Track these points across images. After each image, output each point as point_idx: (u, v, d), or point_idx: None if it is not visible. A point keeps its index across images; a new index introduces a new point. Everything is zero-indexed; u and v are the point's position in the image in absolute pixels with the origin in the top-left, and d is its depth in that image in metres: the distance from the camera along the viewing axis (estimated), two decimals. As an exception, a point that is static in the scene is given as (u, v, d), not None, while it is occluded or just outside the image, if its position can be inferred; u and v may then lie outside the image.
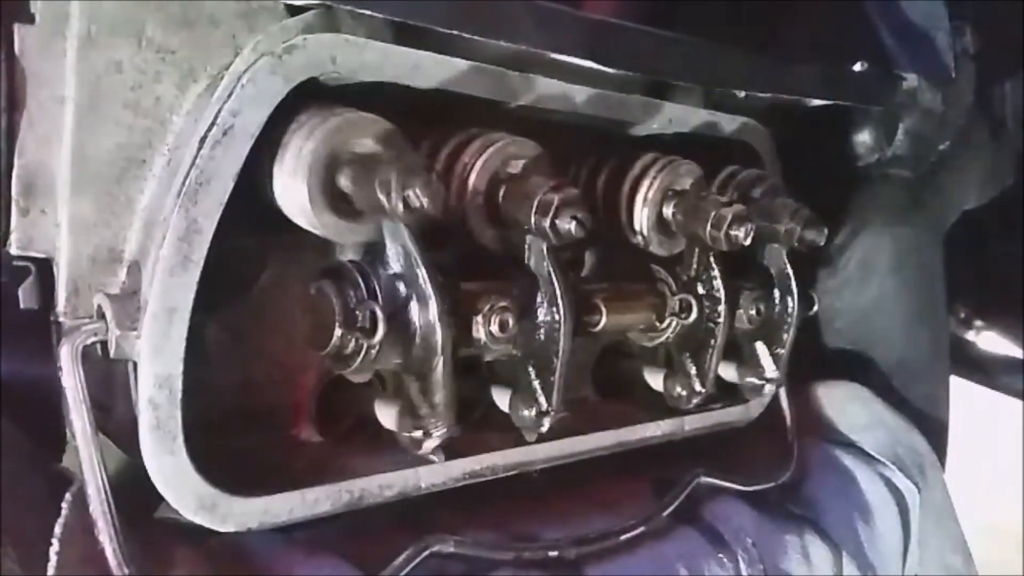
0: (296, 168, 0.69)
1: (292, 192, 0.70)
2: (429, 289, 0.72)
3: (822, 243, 1.02)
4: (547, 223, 0.77)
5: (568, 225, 0.77)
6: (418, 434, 0.75)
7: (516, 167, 0.82)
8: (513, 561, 0.82)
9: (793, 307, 1.04)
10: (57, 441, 0.71)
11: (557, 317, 0.81)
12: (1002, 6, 1.36)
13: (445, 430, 0.75)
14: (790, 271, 1.04)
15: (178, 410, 0.66)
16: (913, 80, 1.15)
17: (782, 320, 1.04)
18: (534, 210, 0.78)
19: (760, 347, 1.05)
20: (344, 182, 0.70)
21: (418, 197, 0.67)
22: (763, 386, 1.05)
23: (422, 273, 0.72)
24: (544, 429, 0.84)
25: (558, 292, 0.80)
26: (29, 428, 0.69)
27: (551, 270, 0.81)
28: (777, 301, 1.05)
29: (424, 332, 0.73)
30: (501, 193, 0.81)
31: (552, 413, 0.82)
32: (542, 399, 0.83)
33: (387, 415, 0.81)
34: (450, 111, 0.82)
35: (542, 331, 0.82)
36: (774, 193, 1.04)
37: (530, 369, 0.83)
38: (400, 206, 0.67)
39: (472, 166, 0.81)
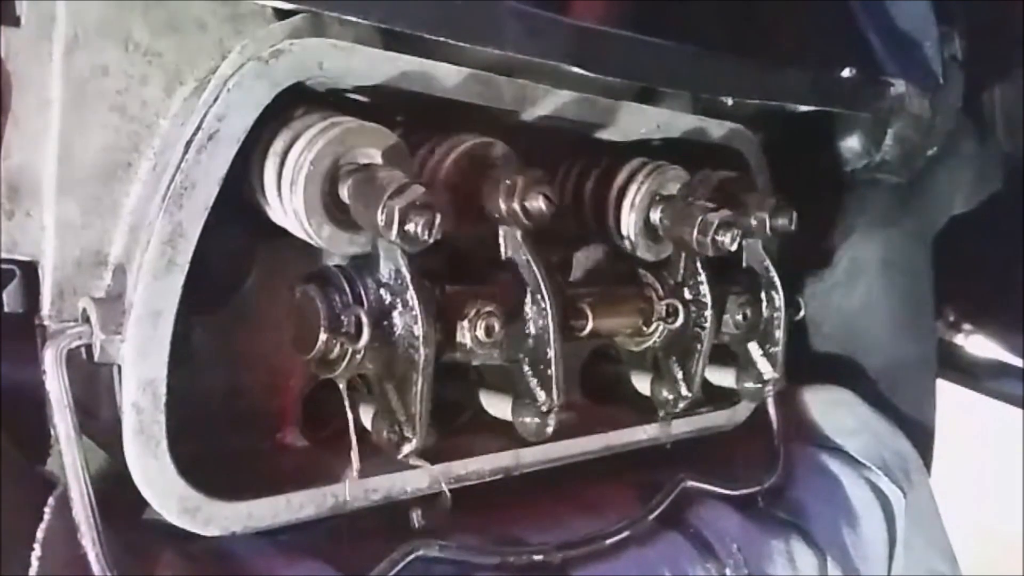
0: (295, 179, 0.69)
1: (289, 202, 0.70)
2: (417, 311, 0.72)
3: (793, 227, 1.00)
4: (516, 205, 0.77)
5: (537, 203, 0.78)
6: (393, 438, 0.75)
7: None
8: (498, 565, 0.82)
9: (780, 302, 1.03)
10: (41, 444, 0.70)
11: (543, 305, 0.80)
12: (990, 12, 1.36)
13: (419, 442, 0.75)
14: (769, 264, 1.04)
15: (162, 414, 0.66)
16: (901, 86, 1.16)
17: (771, 318, 1.04)
18: (501, 196, 0.78)
19: (754, 348, 1.05)
20: (345, 194, 0.70)
21: (418, 228, 0.67)
22: (763, 388, 1.05)
23: (411, 294, 0.72)
24: (550, 429, 0.83)
25: (539, 278, 0.80)
26: (13, 431, 0.69)
27: (528, 258, 0.80)
28: (764, 300, 1.04)
29: (407, 344, 0.73)
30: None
31: (555, 409, 0.82)
32: (541, 395, 0.82)
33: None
34: (438, 116, 0.82)
35: (531, 326, 0.82)
36: (746, 189, 1.04)
37: (526, 368, 0.83)
38: (397, 236, 0.67)
39: (439, 169, 0.81)
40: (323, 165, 0.69)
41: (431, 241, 0.68)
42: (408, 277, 0.72)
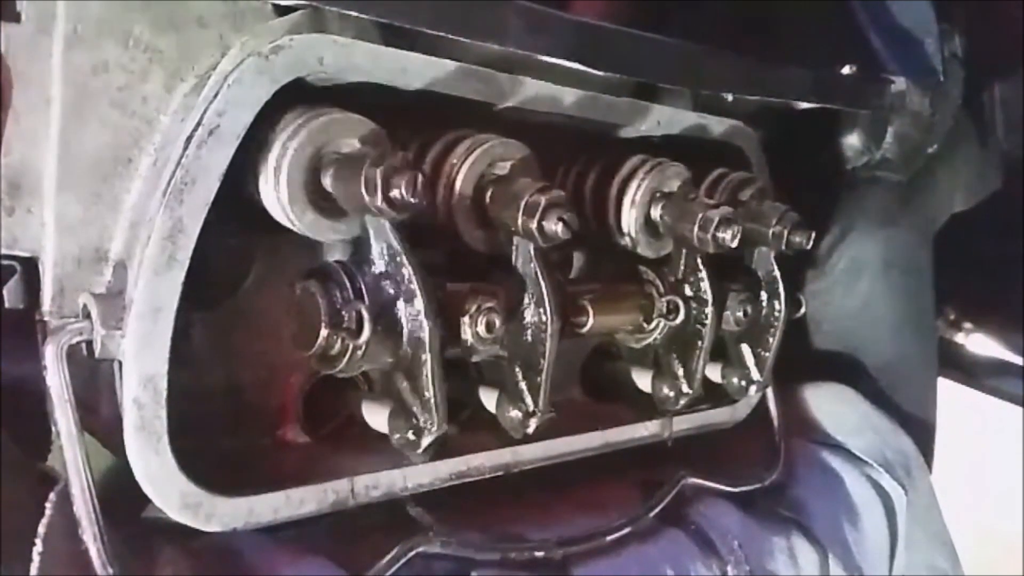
0: (279, 166, 0.69)
1: (274, 190, 0.70)
2: (415, 285, 0.72)
3: (809, 247, 1.02)
4: (534, 225, 0.77)
5: (555, 227, 0.78)
6: (411, 435, 0.75)
7: (503, 168, 0.82)
8: (499, 561, 0.82)
9: (780, 310, 1.04)
10: (42, 441, 0.70)
11: (544, 318, 0.81)
12: (991, 10, 1.36)
13: (438, 427, 0.75)
14: (778, 274, 1.04)
15: (163, 410, 0.66)
16: (901, 83, 1.16)
17: (768, 323, 1.05)
18: (521, 212, 0.78)
19: (745, 349, 1.05)
20: (328, 181, 0.70)
21: (401, 192, 0.67)
22: (747, 388, 1.05)
23: (407, 270, 0.72)
24: (531, 430, 0.84)
25: (545, 293, 0.81)
26: (14, 428, 0.69)
27: (538, 271, 0.81)
28: (764, 303, 1.05)
29: (412, 329, 0.73)
30: (488, 195, 0.81)
31: (538, 414, 0.83)
32: (528, 400, 0.83)
33: (374, 415, 0.81)
34: (438, 112, 0.82)
35: (529, 332, 0.82)
36: (762, 196, 1.05)
37: (517, 370, 0.83)
38: (383, 201, 0.67)
39: (459, 167, 0.81)
40: (305, 153, 0.69)
41: (416, 202, 0.68)
42: (401, 252, 0.72)
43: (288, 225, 0.72)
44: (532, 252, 0.81)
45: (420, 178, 0.68)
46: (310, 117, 0.70)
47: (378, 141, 0.73)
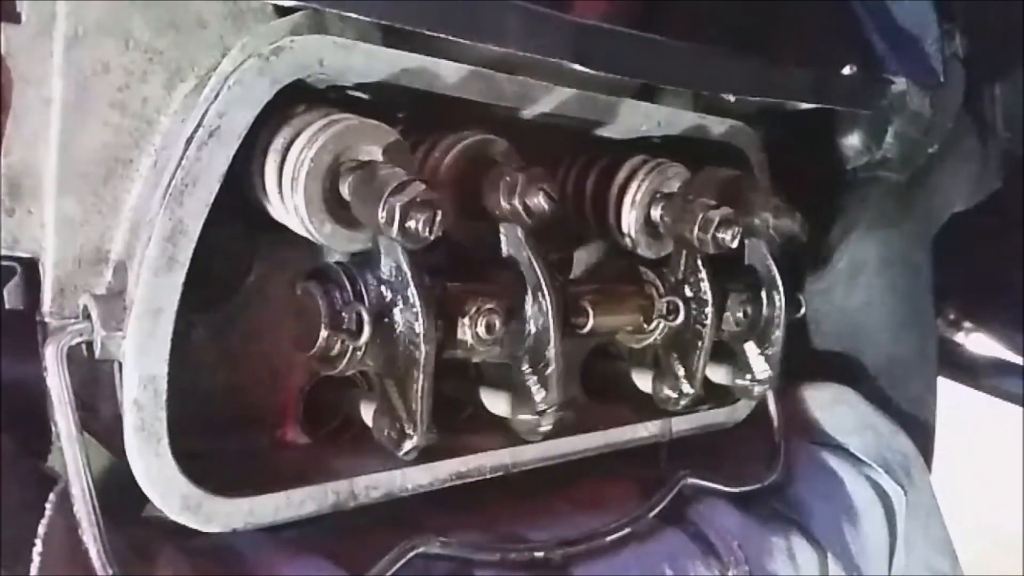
0: (296, 176, 0.69)
1: (291, 200, 0.70)
2: (418, 308, 0.73)
3: (797, 230, 1.01)
4: (517, 203, 0.78)
5: (537, 200, 0.78)
6: (394, 435, 0.75)
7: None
8: (499, 562, 0.82)
9: (780, 303, 1.04)
10: (42, 441, 0.71)
11: (543, 305, 0.81)
12: (991, 10, 1.36)
13: (419, 439, 0.75)
14: (772, 264, 1.04)
15: (163, 411, 0.66)
16: (902, 84, 1.16)
17: (771, 319, 1.04)
18: (502, 194, 0.78)
19: (750, 347, 1.05)
20: (346, 191, 0.70)
21: (419, 225, 0.67)
22: (755, 387, 1.05)
23: (412, 291, 0.73)
24: (548, 427, 0.83)
25: (540, 276, 0.81)
26: (14, 428, 0.69)
27: (530, 256, 0.81)
28: (764, 300, 1.04)
29: (408, 340, 0.74)
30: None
31: (554, 408, 0.82)
32: (540, 394, 0.82)
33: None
34: (439, 113, 0.82)
35: (531, 325, 0.82)
36: (750, 188, 1.04)
37: (524, 368, 0.83)
38: (398, 232, 0.67)
39: (440, 165, 0.81)
40: (324, 162, 0.69)
41: (432, 238, 0.68)
42: (409, 274, 0.72)
43: (304, 234, 0.72)
44: (522, 236, 0.81)
45: (439, 216, 0.68)
46: (325, 124, 0.70)
47: (397, 152, 0.73)
